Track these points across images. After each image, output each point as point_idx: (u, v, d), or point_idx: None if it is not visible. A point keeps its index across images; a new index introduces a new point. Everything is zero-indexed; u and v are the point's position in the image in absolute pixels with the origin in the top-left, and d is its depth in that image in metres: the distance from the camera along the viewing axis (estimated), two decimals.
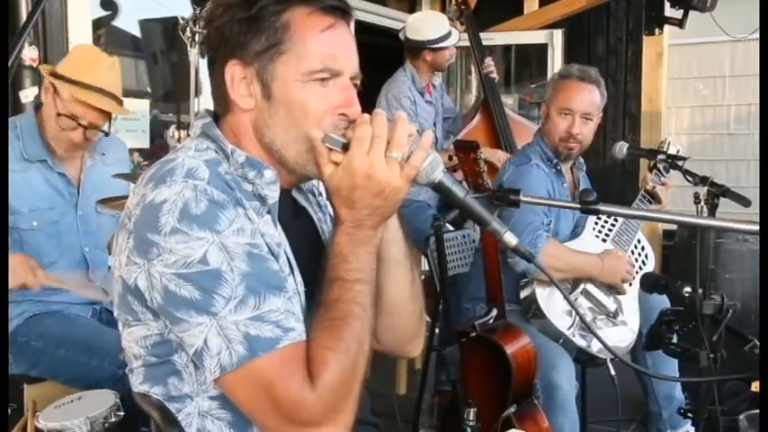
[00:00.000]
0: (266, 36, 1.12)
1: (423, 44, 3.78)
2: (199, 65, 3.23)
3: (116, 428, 1.78)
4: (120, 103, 2.23)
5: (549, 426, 2.27)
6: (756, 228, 1.14)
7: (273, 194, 1.15)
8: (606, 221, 2.68)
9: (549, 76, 4.82)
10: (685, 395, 2.81)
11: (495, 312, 2.32)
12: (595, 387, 2.69)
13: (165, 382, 1.14)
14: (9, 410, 2.00)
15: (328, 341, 1.05)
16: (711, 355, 1.84)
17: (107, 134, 2.27)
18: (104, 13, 3.69)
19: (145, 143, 3.57)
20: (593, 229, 2.67)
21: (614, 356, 1.32)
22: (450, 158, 2.91)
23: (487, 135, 4.04)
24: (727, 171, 5.43)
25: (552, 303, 2.49)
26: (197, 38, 3.05)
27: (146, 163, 3.46)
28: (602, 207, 1.18)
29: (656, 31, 5.07)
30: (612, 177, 5.13)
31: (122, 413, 1.79)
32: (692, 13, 4.60)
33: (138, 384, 1.18)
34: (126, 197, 2.07)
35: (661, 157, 2.62)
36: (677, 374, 2.69)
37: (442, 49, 3.79)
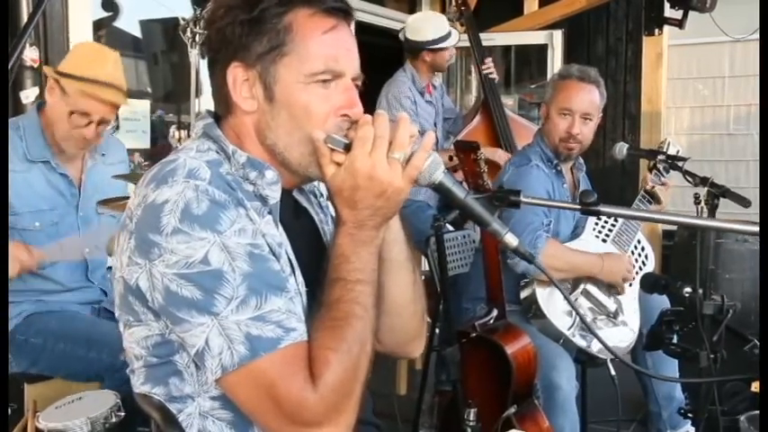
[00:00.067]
0: (268, 38, 1.12)
1: (422, 45, 3.78)
2: (199, 65, 3.23)
3: (116, 429, 1.78)
4: (126, 95, 2.25)
5: (549, 426, 2.27)
6: (756, 229, 1.14)
7: (275, 195, 1.16)
8: (606, 222, 2.68)
9: (549, 76, 4.82)
10: (685, 395, 2.81)
11: (495, 313, 2.32)
12: (595, 387, 2.69)
13: (167, 383, 1.14)
14: (9, 410, 2.01)
15: (330, 341, 1.05)
16: (711, 356, 1.84)
17: (117, 127, 2.27)
18: (105, 14, 3.69)
19: (145, 144, 3.57)
20: (594, 229, 2.67)
21: (614, 357, 1.32)
22: (451, 159, 2.91)
23: (487, 135, 4.04)
24: (727, 171, 5.43)
25: (552, 304, 2.49)
26: (197, 38, 3.05)
27: (146, 164, 3.46)
28: (602, 208, 1.18)
29: (656, 31, 5.07)
30: (612, 178, 5.13)
31: (123, 413, 1.79)
32: (691, 14, 4.60)
33: (139, 385, 1.18)
34: (126, 198, 2.08)
35: (661, 157, 2.63)
36: (677, 375, 2.69)
37: (441, 49, 3.79)
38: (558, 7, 5.18)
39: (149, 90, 4.52)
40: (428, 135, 1.13)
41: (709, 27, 4.87)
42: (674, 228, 4.43)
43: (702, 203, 2.26)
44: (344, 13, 1.16)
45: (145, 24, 4.47)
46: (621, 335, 2.56)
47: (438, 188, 1.14)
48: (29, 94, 2.76)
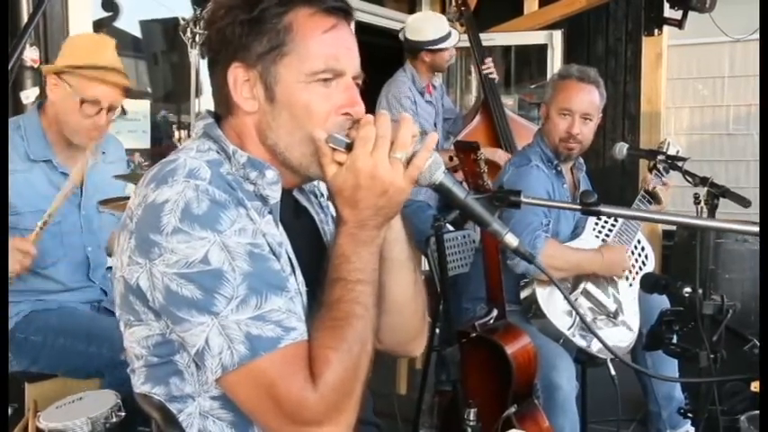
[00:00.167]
0: (268, 38, 1.12)
1: (421, 45, 3.78)
2: (199, 65, 3.22)
3: (117, 428, 1.78)
4: (128, 78, 2.26)
5: (549, 426, 2.27)
6: (756, 229, 1.14)
7: (275, 195, 1.16)
8: (606, 222, 2.69)
9: (549, 76, 4.82)
10: (685, 395, 2.81)
11: (495, 313, 2.32)
12: (595, 387, 2.69)
13: (167, 383, 1.14)
14: (10, 410, 2.00)
15: (330, 341, 1.05)
16: (711, 356, 1.84)
17: (125, 112, 2.28)
18: (105, 14, 3.69)
19: (145, 144, 3.57)
20: (594, 229, 2.68)
21: (615, 356, 1.32)
22: (451, 159, 2.92)
23: (487, 136, 4.04)
24: (727, 171, 5.43)
25: (552, 303, 2.49)
26: (197, 39, 3.05)
27: (147, 164, 3.46)
28: (602, 208, 1.18)
29: (656, 31, 5.08)
30: (612, 178, 5.13)
31: (123, 413, 1.79)
32: (691, 14, 4.60)
33: (139, 385, 1.18)
34: (127, 198, 2.08)
35: (661, 157, 2.63)
36: (677, 374, 2.69)
37: (441, 50, 3.79)
38: (557, 7, 5.18)
39: (149, 90, 4.52)
40: (431, 135, 1.13)
41: (709, 27, 4.87)
42: (674, 228, 4.43)
43: (702, 203, 2.26)
44: (344, 12, 1.16)
45: (145, 24, 4.47)
46: (621, 335, 2.57)
47: (438, 188, 1.14)
48: (29, 94, 2.76)
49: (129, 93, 2.28)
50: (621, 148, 2.73)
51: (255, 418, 1.08)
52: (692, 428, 2.69)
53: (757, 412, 1.70)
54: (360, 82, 1.19)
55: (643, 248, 2.77)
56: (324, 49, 1.13)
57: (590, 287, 2.56)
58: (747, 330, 2.57)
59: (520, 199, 1.20)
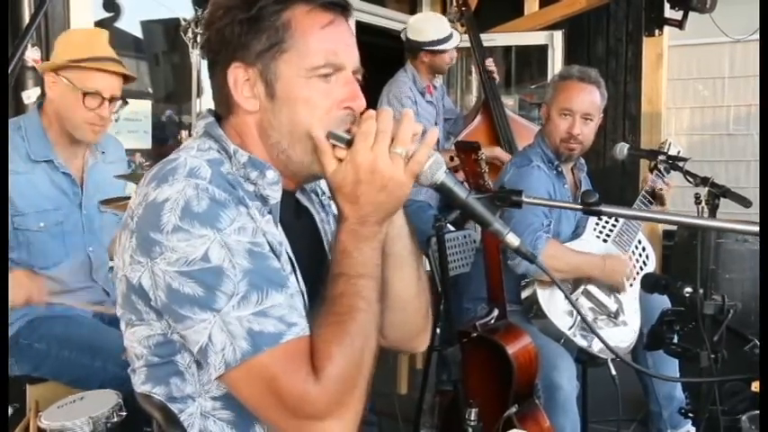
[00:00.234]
0: (267, 36, 1.12)
1: (420, 45, 3.79)
2: (200, 66, 3.23)
3: (118, 428, 1.78)
4: (125, 67, 2.26)
5: (550, 426, 2.27)
6: (756, 229, 1.14)
7: (275, 195, 1.16)
8: (607, 222, 2.69)
9: (550, 77, 4.83)
10: (686, 395, 2.81)
11: (496, 313, 2.32)
12: (596, 387, 2.70)
13: (167, 383, 1.14)
14: (12, 410, 2.00)
15: (332, 335, 1.05)
16: (712, 356, 1.84)
17: (126, 102, 2.28)
18: (106, 15, 3.70)
19: (146, 144, 3.58)
20: (594, 229, 2.68)
21: (616, 356, 1.32)
22: (452, 159, 2.92)
23: (488, 136, 4.05)
24: (727, 172, 5.43)
25: (553, 304, 2.49)
26: (199, 39, 3.05)
27: (147, 164, 3.46)
28: (604, 208, 1.18)
29: (656, 32, 5.08)
30: (613, 178, 5.13)
31: (125, 413, 1.79)
32: (691, 14, 4.60)
33: (139, 384, 1.18)
34: (128, 198, 2.08)
35: (662, 157, 2.63)
36: (678, 374, 2.69)
37: (440, 51, 3.79)
38: (558, 8, 5.19)
39: (150, 90, 4.52)
40: (431, 131, 1.12)
41: (709, 28, 4.87)
42: (675, 228, 4.44)
43: (703, 204, 2.26)
44: (341, 8, 1.17)
45: (146, 25, 4.47)
46: (622, 335, 2.57)
47: (440, 188, 1.14)
48: (30, 95, 2.76)
49: (130, 80, 2.27)
50: (622, 149, 2.74)
51: (259, 414, 1.08)
52: (693, 428, 2.70)
53: (758, 412, 1.70)
54: (359, 77, 1.19)
55: (644, 248, 2.77)
56: (323, 45, 1.13)
57: (591, 287, 2.57)
58: (748, 330, 2.58)
59: (521, 199, 1.20)
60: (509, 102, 5.59)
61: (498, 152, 3.85)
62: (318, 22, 1.14)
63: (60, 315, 2.21)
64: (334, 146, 1.11)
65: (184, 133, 3.57)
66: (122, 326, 1.18)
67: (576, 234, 2.69)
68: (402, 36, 3.94)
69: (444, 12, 5.23)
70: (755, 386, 1.61)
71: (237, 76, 1.14)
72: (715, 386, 2.10)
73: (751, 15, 4.19)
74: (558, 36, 5.17)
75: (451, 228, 2.68)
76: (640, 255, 2.75)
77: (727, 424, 2.12)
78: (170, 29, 4.33)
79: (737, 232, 2.86)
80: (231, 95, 1.16)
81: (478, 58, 4.24)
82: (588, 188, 2.76)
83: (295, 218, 1.25)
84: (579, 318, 2.46)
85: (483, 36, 4.37)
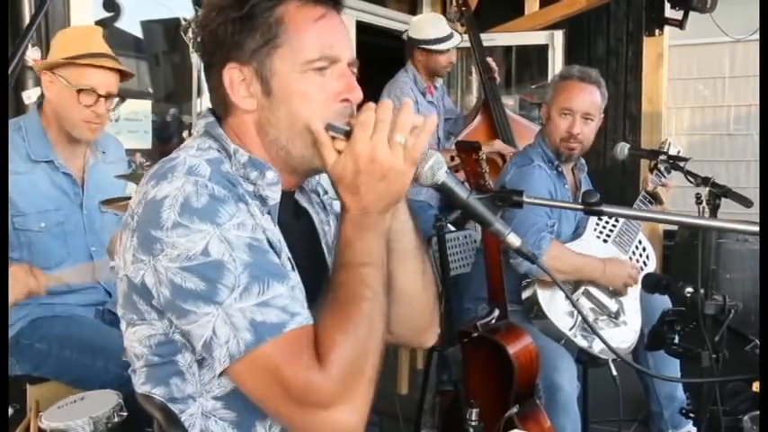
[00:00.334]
0: (261, 32, 1.12)
1: (415, 42, 3.81)
2: (201, 66, 3.22)
3: (119, 429, 1.77)
4: (121, 63, 2.25)
5: (551, 426, 2.27)
6: (756, 228, 1.14)
7: (274, 195, 1.16)
8: (607, 222, 2.69)
9: (550, 76, 4.83)
10: (687, 395, 2.81)
11: (496, 313, 2.32)
12: (597, 387, 2.70)
13: (168, 383, 1.14)
14: (12, 410, 2.00)
15: (336, 322, 1.04)
16: (713, 356, 1.84)
17: (123, 99, 2.27)
18: (107, 15, 3.69)
19: (147, 144, 3.57)
20: (595, 229, 2.68)
21: (617, 356, 1.32)
22: (452, 159, 2.92)
23: (488, 135, 4.05)
24: (727, 172, 5.43)
25: (554, 304, 2.49)
26: (199, 39, 3.05)
27: (148, 164, 3.46)
28: (605, 208, 1.18)
29: (657, 31, 5.08)
30: (613, 178, 5.13)
31: (125, 413, 1.78)
32: (692, 14, 4.61)
33: (140, 385, 1.18)
34: (129, 198, 2.07)
35: (662, 157, 2.63)
36: (679, 375, 2.69)
37: (435, 51, 3.79)
38: (558, 8, 5.18)
39: (150, 90, 4.53)
40: (430, 118, 1.12)
41: (710, 27, 4.87)
42: (675, 228, 4.44)
43: (704, 204, 2.26)
44: (333, 1, 1.17)
45: (146, 25, 4.47)
46: (623, 335, 2.57)
47: (441, 188, 1.14)
48: (31, 95, 2.76)
49: (126, 76, 2.26)
50: (623, 149, 2.73)
51: (266, 407, 1.07)
52: (694, 429, 2.70)
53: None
54: (355, 70, 1.19)
55: (644, 249, 2.77)
56: (316, 38, 1.13)
57: (591, 288, 2.57)
58: (749, 330, 2.57)
59: (522, 199, 1.20)
60: (509, 102, 5.59)
61: (498, 145, 3.85)
62: (311, 16, 1.14)
63: (61, 315, 2.21)
64: (333, 138, 1.11)
65: (186, 133, 3.58)
66: (123, 326, 1.17)
67: (577, 234, 2.69)
68: (404, 36, 3.95)
69: (444, 12, 5.23)
70: (757, 386, 1.61)
71: (233, 76, 1.14)
72: (716, 386, 2.10)
73: (751, 15, 4.19)
74: (559, 36, 5.17)
75: (452, 228, 2.68)
76: (641, 255, 2.75)
77: (729, 424, 2.12)
78: (170, 29, 4.33)
79: (738, 232, 2.86)
80: (228, 96, 1.16)
81: (479, 57, 4.24)
82: (589, 188, 2.76)
83: (294, 219, 1.25)
84: (580, 318, 2.46)
85: (483, 36, 4.37)
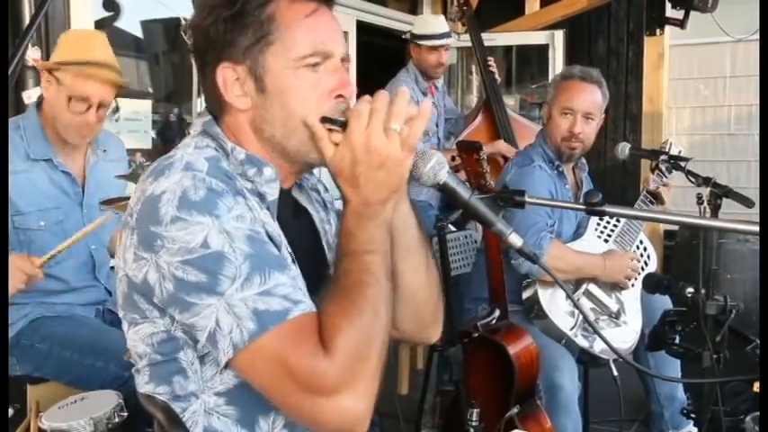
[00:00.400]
0: (253, 30, 1.12)
1: (411, 38, 3.83)
2: None
3: (119, 429, 1.77)
4: (120, 74, 2.23)
5: (551, 426, 2.27)
6: (756, 228, 1.14)
7: (273, 192, 1.16)
8: (608, 222, 2.68)
9: (551, 76, 4.83)
10: (687, 395, 2.81)
11: (497, 313, 2.32)
12: (597, 387, 2.69)
13: (170, 381, 1.14)
14: (12, 411, 1.99)
15: (340, 309, 1.04)
16: (714, 356, 1.84)
17: (117, 109, 2.26)
18: (107, 14, 3.69)
19: (147, 144, 3.57)
20: (596, 229, 2.67)
21: (618, 356, 1.32)
22: (453, 159, 2.92)
23: (489, 135, 4.04)
24: (728, 171, 5.43)
25: (555, 304, 2.49)
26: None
27: (148, 163, 3.46)
28: (607, 208, 1.18)
29: (657, 31, 5.08)
30: (614, 178, 5.13)
31: (126, 414, 1.78)
32: (692, 14, 4.61)
33: (143, 384, 1.18)
34: (128, 198, 2.06)
35: (664, 157, 2.62)
36: (679, 375, 2.69)
37: (425, 48, 3.79)
38: (559, 7, 5.18)
39: (150, 90, 4.53)
40: (425, 103, 1.12)
41: (711, 27, 4.87)
42: (676, 228, 4.44)
43: (705, 204, 2.25)
44: None
45: (146, 24, 4.48)
46: (624, 335, 2.57)
47: (442, 188, 1.14)
48: (31, 94, 2.76)
49: (122, 89, 2.25)
50: (624, 148, 2.73)
51: (272, 396, 1.06)
52: (695, 429, 2.69)
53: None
54: (348, 66, 1.19)
55: (645, 249, 2.77)
56: (309, 34, 1.13)
57: (592, 288, 2.56)
58: (750, 331, 2.57)
59: (524, 199, 1.20)
60: (510, 101, 5.60)
61: (501, 146, 3.85)
62: (302, 12, 1.14)
63: (62, 315, 2.21)
64: (329, 130, 1.11)
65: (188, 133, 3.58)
66: (125, 326, 1.17)
67: (578, 234, 2.68)
68: (405, 35, 3.97)
69: (445, 11, 5.24)
70: (758, 387, 1.60)
71: (226, 76, 1.14)
72: (717, 386, 2.10)
73: (752, 15, 4.19)
74: (559, 36, 5.17)
75: (453, 228, 2.68)
76: (642, 255, 2.75)
77: (730, 425, 2.12)
78: (170, 28, 4.33)
79: (738, 232, 2.86)
80: (222, 96, 1.16)
81: (480, 57, 4.24)
82: (590, 188, 2.76)
83: (293, 217, 1.25)
84: (581, 318, 2.46)
85: (483, 36, 4.36)
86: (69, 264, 2.22)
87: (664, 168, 2.65)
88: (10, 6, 2.66)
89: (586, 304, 2.54)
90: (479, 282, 2.51)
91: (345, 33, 4.80)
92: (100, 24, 3.43)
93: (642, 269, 2.70)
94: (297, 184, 1.29)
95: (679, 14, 4.73)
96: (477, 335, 2.26)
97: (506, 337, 2.26)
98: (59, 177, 2.24)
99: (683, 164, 2.57)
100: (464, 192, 1.14)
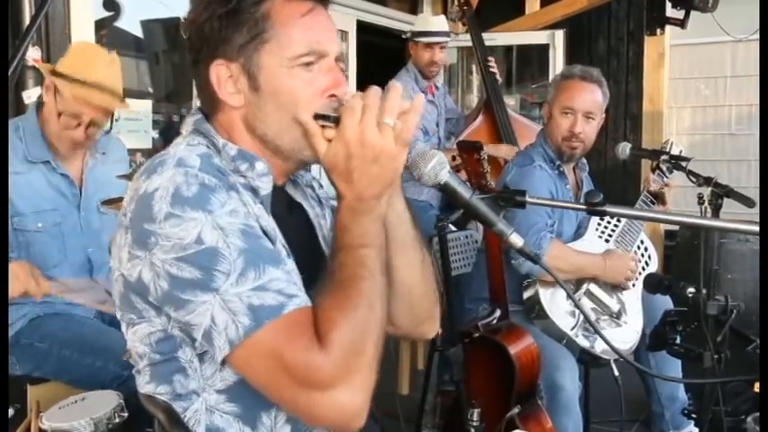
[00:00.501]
0: (247, 28, 1.12)
1: (411, 35, 3.85)
2: None
3: (120, 429, 1.77)
4: (121, 99, 2.21)
5: (552, 426, 2.27)
6: (756, 228, 1.14)
7: (266, 186, 1.16)
8: (609, 222, 2.68)
9: (551, 76, 4.83)
10: (688, 396, 2.81)
11: (498, 313, 2.32)
12: (598, 387, 2.69)
13: (171, 380, 1.14)
14: (13, 411, 1.99)
15: (334, 302, 1.04)
16: (715, 356, 1.83)
17: (109, 131, 2.26)
18: (107, 14, 3.70)
19: (147, 144, 3.57)
20: (596, 229, 2.67)
21: (619, 356, 1.31)
22: (454, 159, 2.92)
23: (490, 135, 4.05)
24: (729, 171, 5.43)
25: (555, 304, 2.49)
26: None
27: None
28: (608, 209, 1.18)
29: (658, 31, 5.08)
30: (614, 178, 5.13)
31: (126, 414, 1.78)
32: (693, 14, 4.61)
33: (144, 384, 1.17)
34: None
35: (664, 157, 2.62)
36: (680, 375, 2.69)
37: (419, 45, 3.80)
38: (559, 7, 5.19)
39: (150, 90, 4.53)
40: (418, 97, 1.11)
41: (711, 27, 4.87)
42: (676, 228, 4.43)
43: (706, 204, 2.25)
44: None
45: (146, 24, 4.48)
46: (625, 335, 2.56)
47: (443, 188, 1.14)
48: (31, 94, 2.76)
49: (123, 103, 2.23)
50: (625, 148, 2.73)
51: (268, 392, 1.06)
52: (696, 429, 2.69)
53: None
54: (342, 65, 1.19)
55: (646, 249, 2.77)
56: (304, 33, 1.13)
57: (593, 287, 2.56)
58: (751, 331, 2.56)
59: (525, 199, 1.20)
60: (510, 101, 5.59)
61: (503, 150, 3.85)
62: (298, 11, 1.14)
63: (61, 314, 2.22)
64: (323, 127, 1.11)
65: None
66: (123, 327, 1.17)
67: (579, 234, 2.68)
68: (405, 35, 3.98)
69: (446, 11, 5.24)
70: (758, 387, 1.60)
71: (220, 73, 1.15)
72: (718, 387, 2.09)
73: (753, 15, 4.18)
74: (560, 35, 5.17)
75: (453, 228, 2.68)
76: (643, 255, 2.75)
77: (731, 425, 2.11)
78: (170, 28, 4.33)
79: (739, 232, 2.85)
80: (215, 93, 1.16)
81: (480, 57, 4.24)
82: (591, 188, 2.76)
83: (287, 212, 1.25)
84: (581, 318, 2.45)
85: (484, 35, 4.37)
86: (66, 266, 2.22)
87: (664, 168, 2.65)
88: (10, 7, 2.65)
89: (587, 304, 2.54)
90: (480, 282, 2.51)
91: (345, 33, 4.83)
92: (100, 24, 3.43)
93: (643, 269, 2.70)
94: (291, 180, 1.29)
95: (679, 14, 4.73)
96: (477, 335, 2.25)
97: (507, 337, 2.26)
98: (57, 180, 2.24)
99: (683, 164, 2.57)
100: (465, 192, 1.14)
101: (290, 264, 1.12)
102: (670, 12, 4.85)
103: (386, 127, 1.06)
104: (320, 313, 1.03)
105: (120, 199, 2.13)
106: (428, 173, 1.12)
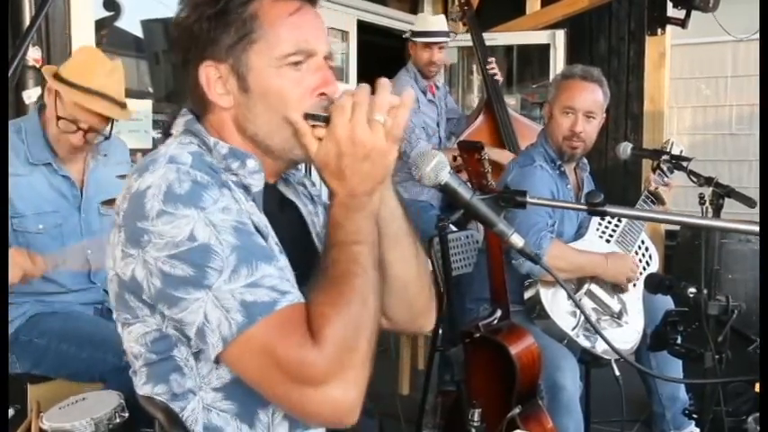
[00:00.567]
0: (235, 28, 1.13)
1: (410, 34, 3.85)
2: None
3: (120, 429, 1.78)
4: (123, 106, 2.21)
5: (553, 426, 2.26)
6: (757, 228, 1.14)
7: (257, 183, 1.16)
8: (610, 222, 2.68)
9: (552, 76, 4.83)
10: (689, 396, 2.81)
11: (499, 313, 2.32)
12: (599, 388, 2.69)
13: (167, 380, 1.14)
14: (13, 411, 2.00)
15: (327, 299, 1.04)
16: (716, 356, 1.83)
17: (107, 138, 2.26)
18: (107, 14, 3.69)
19: (147, 144, 3.57)
20: (597, 230, 2.67)
21: (620, 357, 1.31)
22: (455, 159, 2.91)
23: (491, 135, 4.04)
24: (730, 171, 5.42)
25: (556, 304, 2.48)
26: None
27: None
28: (609, 209, 1.17)
29: (659, 31, 5.09)
30: (615, 178, 5.13)
31: (126, 414, 1.78)
32: (694, 13, 4.61)
33: (141, 385, 1.17)
34: None
35: (665, 157, 2.62)
36: (681, 375, 2.68)
37: (418, 45, 3.80)
38: (560, 7, 5.18)
39: (150, 90, 4.52)
40: (407, 92, 1.11)
41: (712, 27, 4.86)
42: (677, 228, 4.43)
43: (707, 204, 2.25)
44: None
45: (146, 24, 4.47)
46: (626, 335, 2.56)
47: (444, 189, 1.14)
48: (31, 94, 2.76)
49: (123, 112, 2.22)
50: (626, 148, 2.72)
51: (262, 389, 1.06)
52: (697, 429, 2.68)
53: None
54: (332, 63, 1.19)
55: (647, 249, 2.77)
56: (292, 32, 1.13)
57: (594, 288, 2.56)
58: (751, 331, 2.56)
59: (526, 199, 1.19)
60: (511, 101, 5.59)
61: (506, 156, 3.84)
62: (285, 10, 1.14)
63: (60, 311, 2.22)
64: (313, 126, 1.11)
65: None
66: (119, 328, 1.17)
67: (579, 234, 2.68)
68: (405, 34, 3.98)
69: (446, 11, 5.24)
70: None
71: (209, 74, 1.15)
72: (719, 387, 2.09)
73: (753, 15, 4.18)
74: (560, 35, 5.17)
75: (454, 228, 2.67)
76: (643, 255, 2.74)
77: (732, 425, 2.11)
78: (170, 28, 4.32)
79: (740, 232, 2.85)
80: (205, 94, 1.16)
81: (481, 57, 4.24)
82: (591, 188, 2.76)
83: (279, 211, 1.25)
84: (582, 318, 2.45)
85: (484, 35, 4.36)
86: (66, 267, 2.22)
87: (665, 168, 2.65)
88: (10, 7, 2.65)
89: (588, 304, 2.54)
90: (481, 282, 2.51)
91: (346, 33, 4.82)
92: (100, 24, 3.43)
93: (644, 269, 2.70)
94: (283, 178, 1.29)
95: (680, 14, 4.72)
96: (478, 335, 2.25)
97: (508, 337, 2.26)
98: (58, 181, 2.24)
99: (684, 164, 2.56)
100: (465, 192, 1.14)
101: (283, 260, 1.12)
102: (671, 11, 4.85)
103: (376, 124, 1.06)
104: (313, 309, 1.04)
105: None
106: (428, 173, 1.12)
